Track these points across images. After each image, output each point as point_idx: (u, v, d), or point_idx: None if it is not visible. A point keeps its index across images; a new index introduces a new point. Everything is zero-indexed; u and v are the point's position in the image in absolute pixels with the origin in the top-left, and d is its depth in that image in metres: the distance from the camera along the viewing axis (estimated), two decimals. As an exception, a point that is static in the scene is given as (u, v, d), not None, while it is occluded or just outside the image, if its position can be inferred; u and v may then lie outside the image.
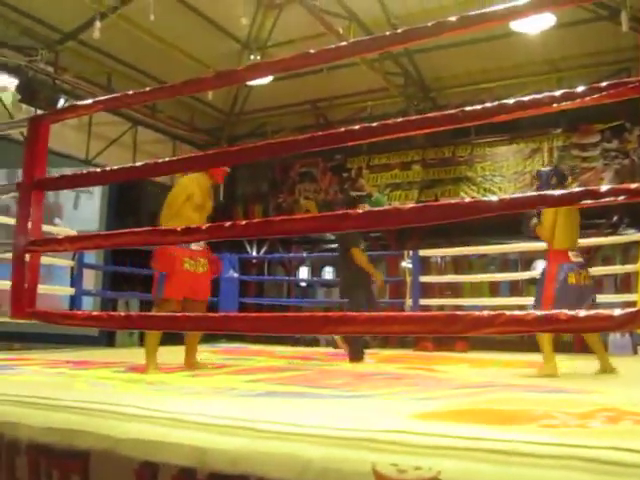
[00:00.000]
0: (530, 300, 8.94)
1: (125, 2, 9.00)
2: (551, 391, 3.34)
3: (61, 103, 9.44)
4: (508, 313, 1.85)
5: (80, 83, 9.98)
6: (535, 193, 1.87)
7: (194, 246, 4.36)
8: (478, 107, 2.13)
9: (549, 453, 1.54)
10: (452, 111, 2.17)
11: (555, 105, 2.07)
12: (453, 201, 2.01)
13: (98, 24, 8.70)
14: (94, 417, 1.98)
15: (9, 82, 9.42)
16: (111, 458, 1.79)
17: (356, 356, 5.38)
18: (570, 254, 4.36)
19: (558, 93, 2.01)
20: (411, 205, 2.06)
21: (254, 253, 12.89)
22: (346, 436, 1.71)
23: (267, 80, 9.65)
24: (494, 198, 1.96)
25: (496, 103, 2.07)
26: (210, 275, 4.72)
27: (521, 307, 7.84)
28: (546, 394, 3.20)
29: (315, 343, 6.92)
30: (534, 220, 4.58)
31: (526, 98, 2.05)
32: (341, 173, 11.83)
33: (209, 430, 1.79)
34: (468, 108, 2.16)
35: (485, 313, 1.89)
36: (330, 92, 11.39)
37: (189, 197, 4.59)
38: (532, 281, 11.27)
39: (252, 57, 10.17)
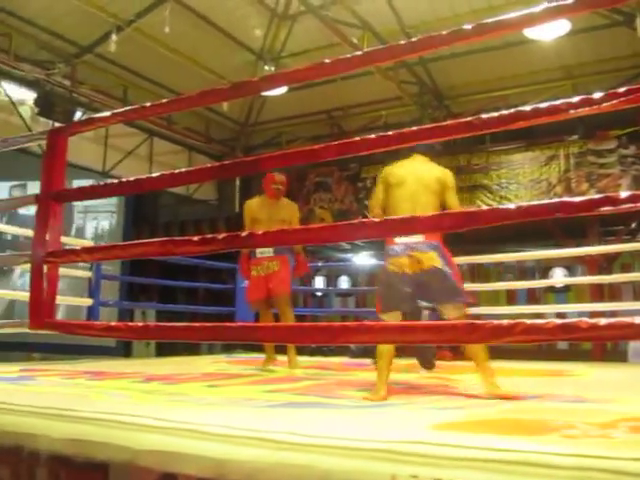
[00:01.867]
0: (549, 308, 8.89)
1: (141, 15, 9.09)
2: (571, 400, 3.30)
3: (78, 116, 9.56)
4: (527, 322, 1.83)
5: (97, 96, 10.08)
6: (554, 200, 1.85)
7: (259, 254, 5.13)
8: (495, 114, 2.12)
9: (571, 464, 1.52)
10: (469, 119, 2.16)
11: (572, 111, 2.05)
12: (471, 209, 2.00)
13: (114, 37, 8.80)
14: (113, 428, 1.98)
15: (27, 95, 9.55)
16: (130, 469, 1.78)
17: (429, 364, 5.33)
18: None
19: (575, 99, 2.00)
20: (430, 214, 2.05)
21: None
22: (365, 447, 1.69)
23: (282, 90, 9.69)
24: (512, 206, 1.95)
25: (513, 110, 2.05)
26: (284, 273, 5.24)
27: (539, 315, 7.77)
28: (566, 404, 3.16)
29: (331, 353, 6.88)
30: None
31: (543, 105, 2.04)
32: (356, 182, 11.82)
33: (227, 441, 1.79)
34: (485, 116, 2.15)
35: (504, 322, 1.87)
36: (344, 101, 11.41)
37: (253, 220, 5.24)
38: (550, 289, 11.22)
39: (266, 68, 10.22)
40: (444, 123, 2.22)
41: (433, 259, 3.36)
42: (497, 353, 5.92)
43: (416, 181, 3.63)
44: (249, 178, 13.27)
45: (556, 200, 1.81)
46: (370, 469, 1.54)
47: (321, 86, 10.46)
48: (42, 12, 8.91)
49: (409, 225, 2.11)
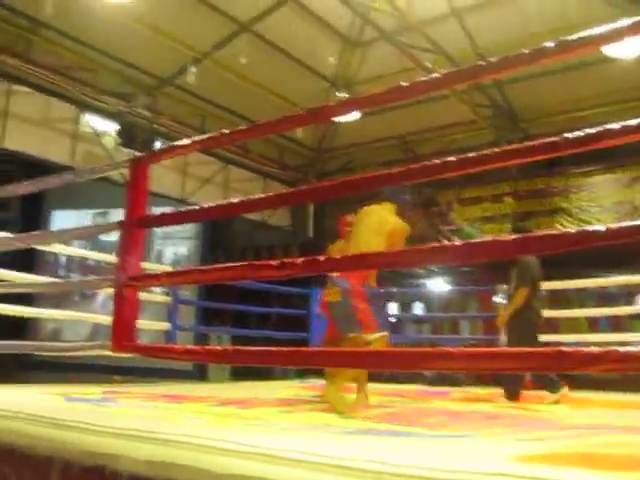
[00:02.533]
0: (634, 336, 8.47)
1: (218, 47, 9.38)
2: (663, 435, 3.11)
3: (158, 146, 9.89)
4: (621, 349, 1.74)
5: (175, 126, 10.42)
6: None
7: None
8: (580, 133, 2.04)
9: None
10: (553, 139, 2.09)
11: (664, 128, 1.95)
12: (556, 231, 1.93)
13: (192, 69, 9.11)
14: (193, 451, 1.99)
15: (110, 127, 9.97)
16: (210, 493, 1.78)
17: (514, 394, 5.19)
18: None
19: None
20: (514, 236, 1.98)
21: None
22: (447, 478, 1.63)
23: (355, 116, 9.74)
24: (601, 227, 1.86)
25: (600, 128, 1.97)
26: None
27: (623, 344, 7.40)
28: (658, 438, 2.98)
29: (406, 380, 6.76)
30: None
31: (632, 121, 1.95)
32: (430, 207, 11.70)
33: (307, 467, 1.76)
34: (569, 135, 2.07)
35: (595, 349, 1.78)
36: (418, 126, 11.36)
37: None
38: (636, 316, 10.70)
39: (339, 95, 10.31)
40: (527, 143, 2.16)
41: (336, 294, 4.00)
42: (579, 383, 5.69)
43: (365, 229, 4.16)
44: (323, 204, 13.37)
45: (651, 221, 1.72)
46: (455, 501, 1.48)
47: (394, 111, 10.46)
48: (124, 47, 9.31)
49: (494, 248, 2.05)
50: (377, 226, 4.20)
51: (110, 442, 2.19)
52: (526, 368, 1.98)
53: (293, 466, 1.78)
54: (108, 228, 3.27)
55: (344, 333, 3.96)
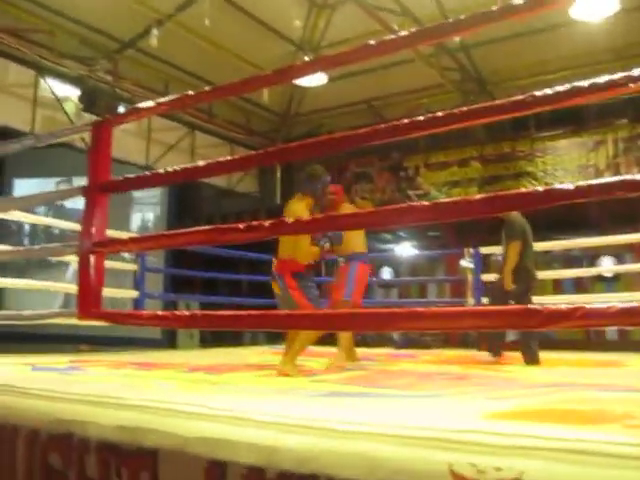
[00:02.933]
0: (597, 297, 8.66)
1: (181, 9, 9.14)
2: (627, 390, 3.19)
3: (121, 111, 9.66)
4: (588, 306, 1.75)
5: (139, 90, 10.16)
6: (617, 178, 1.76)
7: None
8: (549, 91, 2.03)
9: (637, 454, 1.45)
10: (521, 96, 2.07)
11: (632, 85, 1.95)
12: (525, 190, 1.93)
13: (155, 32, 8.87)
14: (162, 416, 1.97)
15: (71, 92, 9.70)
16: (180, 456, 1.77)
17: (533, 358, 5.12)
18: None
19: (636, 72, 1.90)
20: (482, 195, 1.97)
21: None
22: (418, 435, 1.64)
23: (322, 81, 9.64)
24: (569, 185, 1.86)
25: (569, 86, 1.96)
26: None
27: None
28: (623, 393, 3.06)
29: (375, 344, 6.79)
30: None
31: (601, 79, 1.95)
32: (398, 172, 11.70)
33: (277, 429, 1.76)
34: (538, 93, 2.06)
35: (563, 306, 1.80)
36: (385, 90, 11.28)
37: None
38: (599, 278, 10.93)
39: (306, 58, 10.16)
40: (496, 102, 2.14)
41: (277, 287, 4.49)
42: (544, 344, 5.80)
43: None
44: (290, 170, 13.27)
45: (620, 178, 1.72)
46: (426, 457, 1.49)
47: (361, 75, 10.38)
48: (84, 9, 9.01)
49: (460, 208, 2.04)
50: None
51: (78, 409, 2.16)
52: (494, 325, 1.99)
53: (262, 427, 1.77)
54: (70, 193, 3.19)
55: None
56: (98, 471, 1.94)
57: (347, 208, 5.35)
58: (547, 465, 1.40)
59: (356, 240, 5.32)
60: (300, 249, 4.38)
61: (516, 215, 5.37)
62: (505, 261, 5.31)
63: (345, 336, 5.08)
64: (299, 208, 4.39)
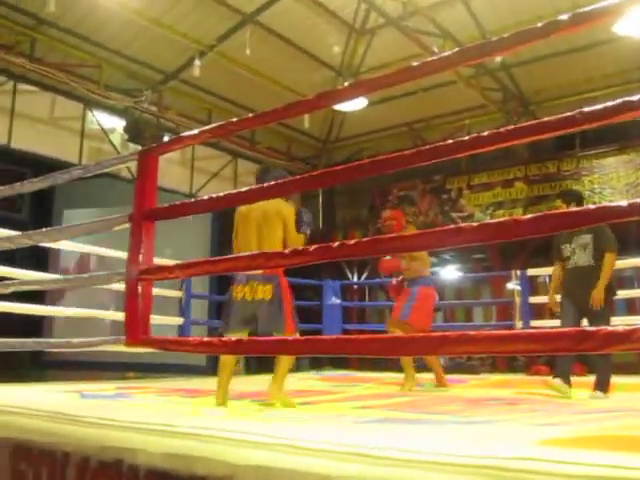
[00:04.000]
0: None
1: (222, 39, 9.32)
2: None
3: (165, 140, 9.86)
4: (646, 328, 1.68)
5: (182, 120, 10.37)
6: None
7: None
8: (598, 107, 1.98)
9: None
10: (570, 113, 2.03)
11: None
12: (576, 208, 1.87)
13: (197, 62, 9.06)
14: (211, 443, 1.96)
15: (117, 123, 9.95)
16: (230, 485, 1.75)
17: (565, 376, 4.61)
18: None
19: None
20: (531, 215, 1.93)
21: (355, 279, 12.85)
22: (471, 463, 1.59)
23: (362, 104, 9.66)
24: (622, 203, 1.80)
25: (620, 100, 1.91)
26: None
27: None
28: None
29: (423, 369, 6.67)
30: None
31: (654, 93, 1.89)
32: (440, 195, 11.61)
33: (329, 457, 1.72)
34: (587, 109, 2.01)
35: (620, 328, 1.73)
36: (426, 113, 11.25)
37: None
38: (652, 299, 10.59)
39: (346, 84, 10.23)
40: (543, 119, 2.09)
41: (266, 292, 3.85)
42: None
43: (261, 216, 4.01)
44: (332, 194, 13.30)
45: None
46: (483, 486, 1.44)
47: (401, 98, 10.38)
48: (129, 42, 9.28)
49: (509, 228, 2.00)
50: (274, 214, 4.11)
51: (127, 436, 2.17)
52: (548, 349, 1.93)
53: (317, 456, 1.74)
54: (117, 221, 3.23)
55: (268, 331, 3.82)
56: (147, 499, 1.94)
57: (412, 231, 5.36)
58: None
59: (419, 263, 5.43)
60: (293, 240, 3.99)
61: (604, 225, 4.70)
62: (602, 275, 4.56)
63: (407, 360, 5.25)
64: (290, 209, 4.12)
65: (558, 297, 4.96)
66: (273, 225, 4.01)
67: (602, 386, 4.46)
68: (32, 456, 2.39)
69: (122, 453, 2.05)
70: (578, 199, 4.96)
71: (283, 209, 4.03)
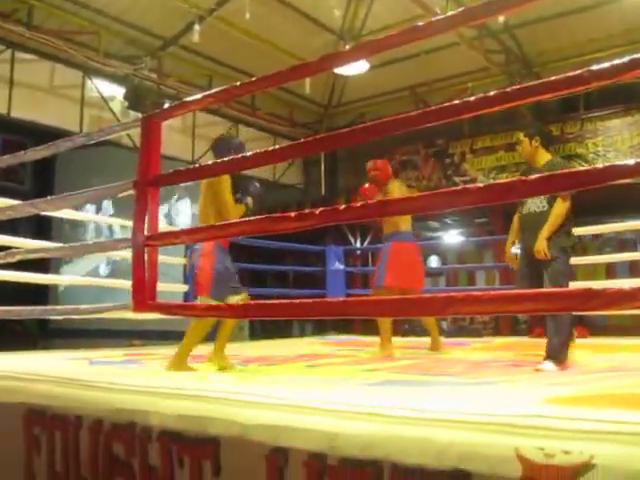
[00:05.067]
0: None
1: (221, 4, 9.18)
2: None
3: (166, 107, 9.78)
4: (654, 285, 1.69)
5: (183, 87, 10.28)
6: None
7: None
8: (607, 64, 1.96)
9: None
10: (577, 72, 2.01)
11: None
12: (584, 168, 1.86)
13: (197, 27, 8.93)
14: (221, 405, 1.99)
15: (117, 91, 9.87)
16: (241, 444, 1.78)
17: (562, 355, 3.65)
18: None
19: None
20: (537, 176, 1.92)
21: (358, 244, 12.88)
22: (483, 421, 1.62)
23: (363, 68, 9.56)
24: (630, 161, 1.80)
25: (628, 58, 1.89)
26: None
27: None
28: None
29: (424, 333, 6.71)
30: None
31: (662, 50, 1.87)
32: (443, 159, 11.55)
33: (337, 416, 1.75)
34: (595, 67, 1.99)
35: (627, 286, 1.74)
36: (428, 76, 11.11)
37: None
38: (655, 260, 10.61)
39: (347, 48, 10.10)
40: (551, 78, 2.07)
41: (189, 259, 4.16)
42: (599, 330, 5.67)
43: (201, 190, 4.06)
44: (335, 160, 13.25)
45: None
46: (491, 442, 1.46)
47: (403, 62, 10.26)
48: (127, 8, 9.14)
49: (516, 189, 2.00)
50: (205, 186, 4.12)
51: (140, 399, 2.20)
52: (554, 309, 1.94)
53: (324, 415, 1.77)
54: (121, 188, 3.23)
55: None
56: (161, 459, 1.97)
57: (396, 185, 5.23)
58: (619, 449, 1.36)
59: (392, 218, 4.93)
60: (228, 211, 3.82)
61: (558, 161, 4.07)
62: (548, 221, 3.75)
63: (385, 325, 4.95)
64: (224, 186, 3.99)
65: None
66: (204, 198, 4.01)
67: (553, 355, 3.58)
68: (45, 420, 2.43)
69: (135, 415, 2.09)
70: (542, 133, 4.14)
71: (214, 180, 3.90)
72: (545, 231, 3.72)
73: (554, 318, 3.58)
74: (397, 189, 5.11)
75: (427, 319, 5.27)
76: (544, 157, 3.98)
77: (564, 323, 3.60)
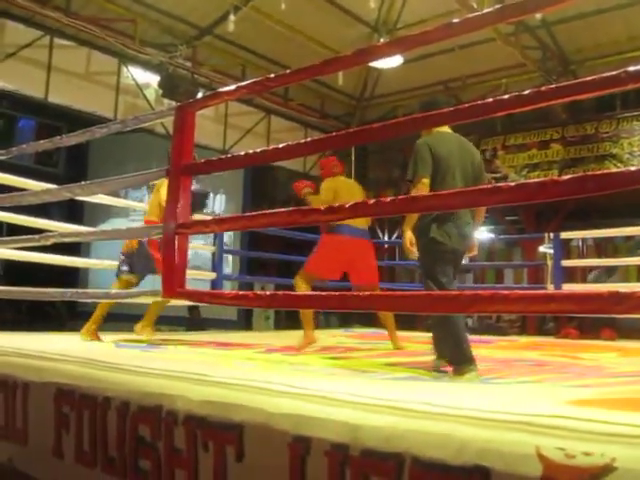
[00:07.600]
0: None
1: (257, -7, 9.22)
2: None
3: (199, 96, 9.86)
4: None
5: (216, 76, 10.36)
6: None
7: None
8: (645, 66, 1.94)
9: None
10: (613, 72, 1.99)
11: None
12: (618, 169, 1.85)
13: (232, 17, 8.97)
14: (247, 392, 2.02)
15: (151, 79, 9.98)
16: (265, 432, 1.81)
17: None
18: None
19: None
20: (571, 176, 1.91)
21: (385, 238, 12.87)
22: (504, 419, 1.62)
23: (397, 62, 9.52)
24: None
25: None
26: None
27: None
28: None
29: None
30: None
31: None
32: (475, 154, 11.43)
33: (360, 408, 1.77)
34: (632, 68, 1.97)
35: (657, 290, 1.73)
36: (462, 71, 11.03)
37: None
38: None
39: (382, 40, 10.06)
40: (587, 78, 2.05)
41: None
42: (628, 332, 5.60)
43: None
44: (366, 153, 13.23)
45: None
46: (512, 439, 1.47)
47: (437, 56, 10.18)
48: (164, -3, 9.24)
49: (548, 189, 1.99)
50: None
51: (167, 383, 2.24)
52: (583, 310, 1.94)
53: (348, 406, 1.79)
54: (155, 175, 3.28)
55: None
56: (186, 443, 2.01)
57: (328, 185, 4.91)
58: (640, 453, 1.35)
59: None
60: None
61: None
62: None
63: (307, 316, 4.64)
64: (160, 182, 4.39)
65: None
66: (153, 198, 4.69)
67: (452, 360, 3.21)
68: (74, 400, 2.49)
69: (162, 399, 2.13)
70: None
71: (158, 183, 4.47)
72: (404, 226, 3.38)
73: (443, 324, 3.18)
74: (325, 188, 4.89)
75: (385, 315, 4.98)
76: None
77: (452, 328, 3.14)
